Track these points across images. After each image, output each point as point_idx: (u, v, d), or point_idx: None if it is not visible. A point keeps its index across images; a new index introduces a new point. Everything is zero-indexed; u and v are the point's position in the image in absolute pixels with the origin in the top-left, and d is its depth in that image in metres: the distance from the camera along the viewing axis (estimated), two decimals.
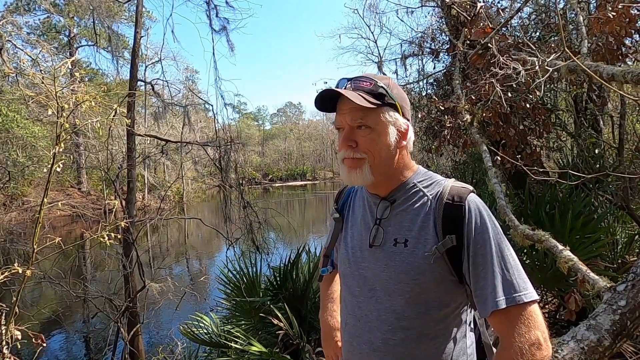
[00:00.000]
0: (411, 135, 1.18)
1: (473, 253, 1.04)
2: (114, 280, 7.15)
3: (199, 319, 4.24)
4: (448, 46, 4.68)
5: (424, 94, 6.18)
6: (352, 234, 1.25)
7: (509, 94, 2.71)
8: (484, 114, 2.95)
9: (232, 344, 3.23)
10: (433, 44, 5.04)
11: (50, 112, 1.66)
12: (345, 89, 1.12)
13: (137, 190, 6.78)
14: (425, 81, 6.05)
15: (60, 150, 1.56)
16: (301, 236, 15.35)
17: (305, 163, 67.66)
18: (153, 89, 7.53)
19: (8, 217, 17.33)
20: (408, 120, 1.17)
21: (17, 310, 1.42)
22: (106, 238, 1.92)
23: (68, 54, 26.75)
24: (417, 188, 1.15)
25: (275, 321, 3.26)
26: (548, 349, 1.00)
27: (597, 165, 4.69)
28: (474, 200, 1.09)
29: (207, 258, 14.82)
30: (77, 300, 6.49)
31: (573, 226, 2.95)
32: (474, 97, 3.11)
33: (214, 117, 7.35)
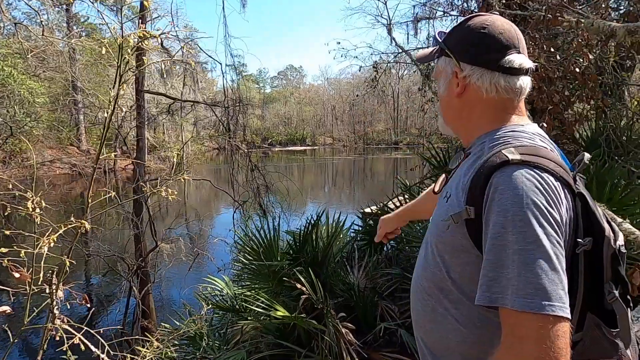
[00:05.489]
0: (482, 84, 1.02)
1: (485, 232, 0.89)
2: (115, 238, 7.13)
3: (212, 281, 4.22)
4: (481, 5, 4.43)
5: None
6: None
7: (558, 57, 2.55)
8: None
9: (255, 309, 3.20)
10: (465, 3, 4.77)
11: (104, 51, 1.50)
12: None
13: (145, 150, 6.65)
14: None
15: (122, 93, 1.41)
16: (301, 202, 15.32)
17: (305, 128, 67.10)
18: (162, 44, 7.25)
19: (8, 174, 17.18)
20: (476, 65, 1.03)
21: (67, 269, 1.33)
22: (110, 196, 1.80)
23: (64, 7, 25.77)
24: (483, 147, 1.02)
25: (299, 285, 3.22)
26: None
27: (624, 137, 4.57)
28: (507, 176, 0.88)
29: (209, 220, 14.86)
30: (80, 258, 6.47)
31: (611, 197, 2.86)
32: None
33: (223, 75, 7.10)
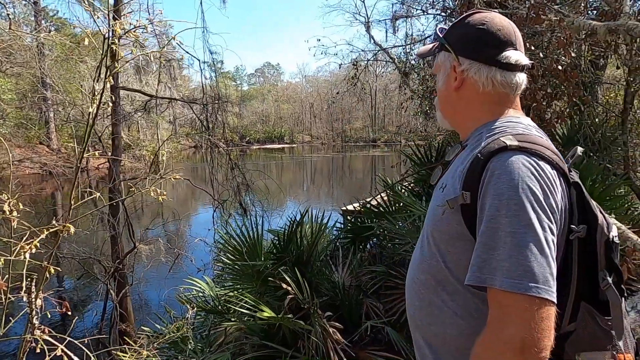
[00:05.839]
0: (479, 78, 1.05)
1: (479, 217, 0.91)
2: (90, 239, 6.89)
3: (193, 282, 4.11)
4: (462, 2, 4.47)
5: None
6: None
7: (540, 55, 2.59)
8: None
9: (239, 309, 3.13)
10: (445, 2, 4.81)
11: (87, 42, 1.40)
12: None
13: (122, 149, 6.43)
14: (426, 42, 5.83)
15: (108, 86, 1.32)
16: (280, 200, 15.20)
17: (284, 126, 66.79)
18: (137, 39, 6.99)
19: None
20: (474, 59, 1.05)
21: (47, 276, 1.25)
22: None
23: (32, 0, 24.81)
24: (481, 137, 1.03)
25: (284, 285, 3.17)
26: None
27: (599, 134, 4.69)
28: (504, 161, 0.90)
29: (187, 219, 14.55)
30: (53, 261, 6.20)
31: (592, 191, 2.92)
32: None
33: (201, 72, 6.95)
